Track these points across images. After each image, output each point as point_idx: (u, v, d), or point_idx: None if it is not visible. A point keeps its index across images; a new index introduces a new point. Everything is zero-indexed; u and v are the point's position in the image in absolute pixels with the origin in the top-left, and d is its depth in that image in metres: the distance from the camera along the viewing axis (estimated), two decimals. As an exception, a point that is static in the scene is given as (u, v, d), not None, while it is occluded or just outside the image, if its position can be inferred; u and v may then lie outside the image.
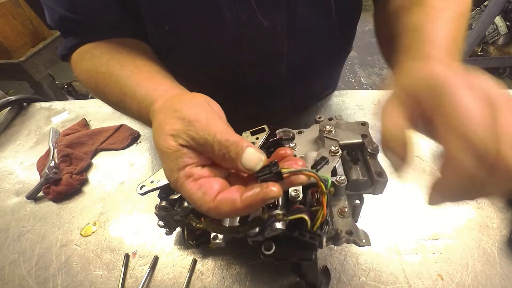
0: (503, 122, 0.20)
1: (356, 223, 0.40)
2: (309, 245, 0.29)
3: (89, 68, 0.43)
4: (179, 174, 0.26)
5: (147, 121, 0.35)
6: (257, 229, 0.30)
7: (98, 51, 0.43)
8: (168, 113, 0.29)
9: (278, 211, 0.31)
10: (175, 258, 0.47)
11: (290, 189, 0.35)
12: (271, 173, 0.25)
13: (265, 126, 0.48)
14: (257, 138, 0.47)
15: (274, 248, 0.30)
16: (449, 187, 0.23)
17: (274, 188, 0.24)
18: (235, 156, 0.25)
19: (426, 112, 0.24)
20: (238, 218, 0.33)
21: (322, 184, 0.28)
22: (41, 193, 0.59)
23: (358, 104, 0.73)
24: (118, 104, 0.41)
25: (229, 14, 0.46)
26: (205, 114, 0.28)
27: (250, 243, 0.38)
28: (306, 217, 0.29)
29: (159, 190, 0.41)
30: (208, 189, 0.26)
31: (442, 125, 0.22)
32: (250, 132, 0.48)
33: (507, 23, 2.42)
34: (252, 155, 0.25)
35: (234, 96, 0.66)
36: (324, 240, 0.30)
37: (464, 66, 0.27)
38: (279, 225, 0.32)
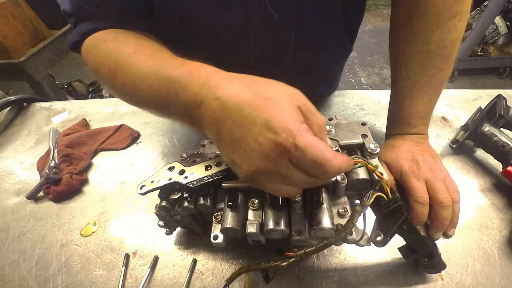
0: (435, 188, 0.43)
1: (356, 223, 0.40)
2: (397, 209, 0.36)
3: (111, 49, 0.40)
4: (302, 125, 0.25)
5: (178, 102, 0.31)
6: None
7: (123, 36, 0.42)
8: (262, 80, 0.29)
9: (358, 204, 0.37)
10: (175, 258, 0.47)
11: None
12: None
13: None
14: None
15: (382, 236, 0.36)
16: (415, 220, 0.44)
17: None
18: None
19: (399, 179, 0.47)
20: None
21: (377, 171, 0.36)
22: (41, 193, 0.59)
23: (358, 104, 0.73)
24: (139, 85, 0.36)
25: (240, 4, 0.46)
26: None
27: (250, 243, 0.39)
28: (380, 193, 0.36)
29: (159, 190, 0.41)
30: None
31: (407, 191, 0.45)
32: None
33: (507, 23, 2.42)
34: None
35: None
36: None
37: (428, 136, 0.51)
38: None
